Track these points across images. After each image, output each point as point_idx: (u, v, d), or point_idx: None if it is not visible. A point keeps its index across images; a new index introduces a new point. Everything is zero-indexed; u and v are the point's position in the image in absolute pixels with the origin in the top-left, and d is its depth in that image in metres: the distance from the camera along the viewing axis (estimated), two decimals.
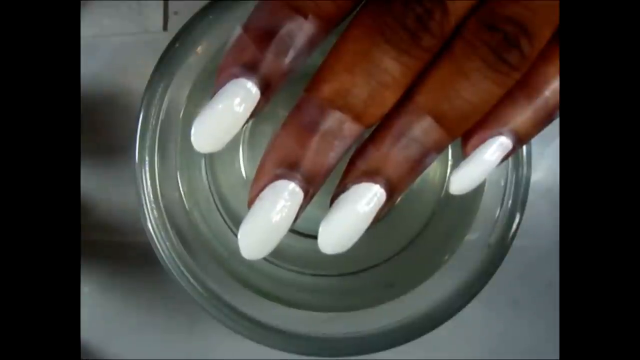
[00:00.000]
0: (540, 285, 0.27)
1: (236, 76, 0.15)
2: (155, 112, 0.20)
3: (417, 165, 0.15)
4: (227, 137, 0.15)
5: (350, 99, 0.14)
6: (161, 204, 0.20)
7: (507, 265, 0.20)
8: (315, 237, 0.16)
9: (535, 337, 0.27)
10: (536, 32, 0.14)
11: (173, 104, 0.20)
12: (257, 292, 0.22)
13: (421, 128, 0.15)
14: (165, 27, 0.27)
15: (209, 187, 0.24)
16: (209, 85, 0.19)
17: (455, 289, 0.20)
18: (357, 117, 0.15)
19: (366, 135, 0.16)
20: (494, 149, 0.16)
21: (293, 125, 0.15)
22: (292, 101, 0.15)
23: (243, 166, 0.25)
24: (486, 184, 0.21)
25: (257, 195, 0.15)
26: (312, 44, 0.15)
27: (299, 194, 0.15)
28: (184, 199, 0.22)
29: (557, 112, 0.15)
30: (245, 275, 0.22)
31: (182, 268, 0.20)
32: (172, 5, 0.27)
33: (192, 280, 0.20)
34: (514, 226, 0.20)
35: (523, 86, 0.15)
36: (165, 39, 0.20)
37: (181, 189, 0.22)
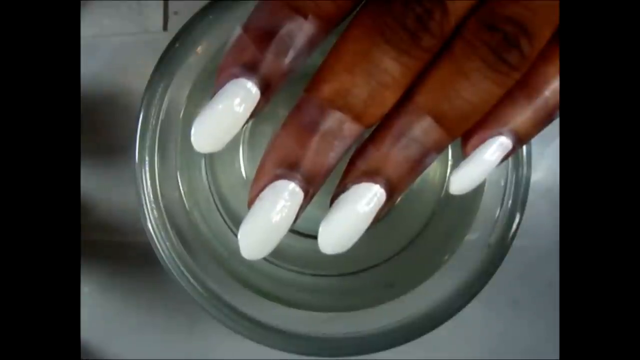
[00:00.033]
0: (540, 285, 0.27)
1: (236, 76, 0.15)
2: (155, 112, 0.20)
3: (417, 165, 0.15)
4: (227, 137, 0.15)
5: (350, 99, 0.14)
6: (161, 204, 0.20)
7: (507, 265, 0.20)
8: (315, 237, 0.16)
9: (535, 337, 0.27)
10: (536, 32, 0.14)
11: (173, 104, 0.20)
12: (257, 292, 0.22)
13: (421, 128, 0.15)
14: (165, 27, 0.27)
15: (209, 187, 0.24)
16: (209, 85, 0.19)
17: (455, 289, 0.20)
18: (357, 117, 0.15)
19: (366, 135, 0.16)
20: (494, 149, 0.16)
21: (293, 125, 0.15)
22: (292, 101, 0.15)
23: (243, 166, 0.25)
24: (486, 184, 0.21)
25: (257, 195, 0.15)
26: (312, 44, 0.15)
27: (299, 194, 0.15)
28: (184, 199, 0.22)
29: (557, 112, 0.15)
30: (245, 275, 0.22)
31: (182, 268, 0.20)
32: (172, 5, 0.27)
33: (192, 280, 0.20)
34: (514, 226, 0.20)
35: (523, 86, 0.15)
36: (165, 39, 0.20)
37: (181, 189, 0.22)
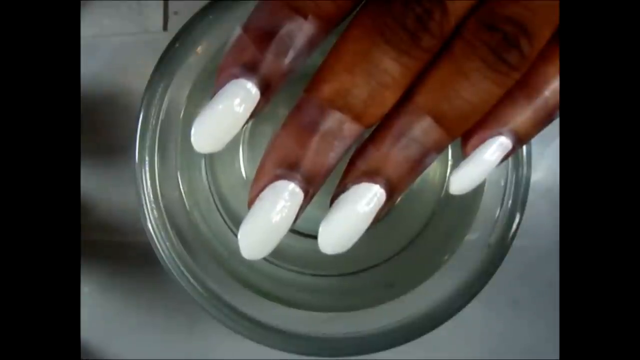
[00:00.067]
0: (540, 285, 0.27)
1: (236, 76, 0.15)
2: (155, 112, 0.20)
3: (417, 165, 0.15)
4: (227, 138, 0.15)
5: (350, 99, 0.14)
6: (161, 204, 0.20)
7: (507, 265, 0.20)
8: (315, 237, 0.16)
9: (535, 337, 0.27)
10: (536, 32, 0.14)
11: (173, 104, 0.20)
12: (257, 292, 0.22)
13: (421, 128, 0.15)
14: (165, 27, 0.27)
15: (209, 187, 0.24)
16: (209, 85, 0.19)
17: (455, 289, 0.20)
18: (357, 117, 0.15)
19: (366, 135, 0.16)
20: (493, 149, 0.16)
21: (293, 126, 0.15)
22: (292, 101, 0.15)
23: (243, 166, 0.25)
24: (486, 184, 0.21)
25: (257, 195, 0.15)
26: (312, 44, 0.15)
27: (299, 194, 0.15)
28: (184, 199, 0.22)
29: (557, 112, 0.15)
30: (245, 275, 0.22)
31: (182, 268, 0.20)
32: (172, 5, 0.27)
33: (192, 280, 0.20)
34: (514, 226, 0.20)
35: (523, 86, 0.15)
36: (165, 39, 0.20)
37: (181, 189, 0.22)
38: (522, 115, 0.15)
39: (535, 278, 0.27)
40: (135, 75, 0.27)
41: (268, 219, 0.15)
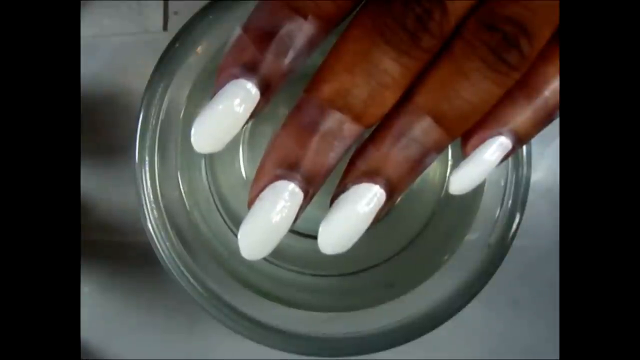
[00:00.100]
0: (540, 285, 0.27)
1: (236, 77, 0.15)
2: (155, 112, 0.20)
3: (417, 165, 0.15)
4: (227, 138, 0.15)
5: (350, 99, 0.14)
6: (161, 204, 0.20)
7: (507, 265, 0.20)
8: (315, 237, 0.16)
9: (535, 337, 0.27)
10: (536, 32, 0.14)
11: (173, 104, 0.20)
12: (257, 292, 0.22)
13: (421, 128, 0.15)
14: (165, 27, 0.27)
15: (209, 187, 0.24)
16: (209, 85, 0.19)
17: (455, 289, 0.20)
18: (357, 118, 0.15)
19: (366, 135, 0.16)
20: (493, 149, 0.16)
21: (293, 126, 0.15)
22: (292, 101, 0.15)
23: (243, 166, 0.25)
24: (486, 184, 0.21)
25: (257, 195, 0.15)
26: (312, 44, 0.15)
27: (299, 195, 0.15)
28: (184, 199, 0.22)
29: (557, 112, 0.15)
30: (245, 275, 0.22)
31: (182, 268, 0.20)
32: (172, 5, 0.27)
33: (192, 280, 0.20)
34: (514, 226, 0.20)
35: (523, 86, 0.15)
36: (165, 39, 0.20)
37: (181, 189, 0.22)
38: (522, 115, 0.15)
39: (535, 278, 0.27)
40: (135, 75, 0.27)
41: (268, 219, 0.15)
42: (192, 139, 0.15)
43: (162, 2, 0.27)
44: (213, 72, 0.15)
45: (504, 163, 0.17)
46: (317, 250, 0.16)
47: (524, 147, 0.20)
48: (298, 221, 0.16)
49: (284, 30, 0.14)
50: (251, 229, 0.15)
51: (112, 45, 0.27)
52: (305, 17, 0.14)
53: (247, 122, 0.15)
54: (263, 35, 0.14)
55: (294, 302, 0.22)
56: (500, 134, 0.15)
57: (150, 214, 0.20)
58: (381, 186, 0.15)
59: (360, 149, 0.16)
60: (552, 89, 0.15)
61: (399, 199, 0.16)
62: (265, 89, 0.15)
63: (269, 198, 0.15)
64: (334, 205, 0.16)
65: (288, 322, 0.21)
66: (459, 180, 0.16)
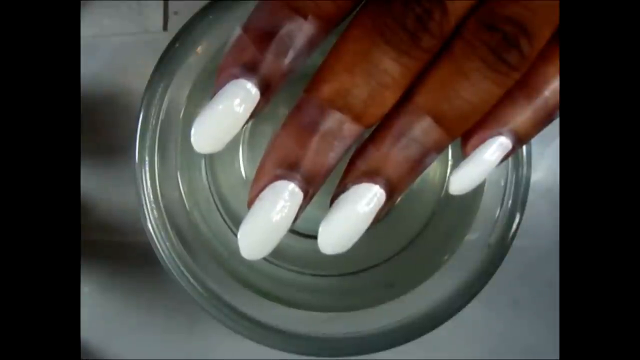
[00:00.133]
0: (540, 285, 0.27)
1: (236, 77, 0.15)
2: (155, 112, 0.20)
3: (417, 165, 0.15)
4: (227, 138, 0.15)
5: (350, 99, 0.14)
6: (161, 204, 0.20)
7: (507, 265, 0.20)
8: (315, 237, 0.16)
9: (535, 337, 0.27)
10: (536, 32, 0.14)
11: (173, 104, 0.20)
12: (257, 292, 0.22)
13: (421, 128, 0.15)
14: (165, 27, 0.27)
15: (209, 187, 0.24)
16: (209, 85, 0.19)
17: (455, 289, 0.20)
18: (357, 118, 0.15)
19: (366, 135, 0.16)
20: (493, 149, 0.16)
21: (293, 126, 0.15)
22: (292, 101, 0.15)
23: (243, 166, 0.25)
24: (486, 184, 0.21)
25: (257, 195, 0.15)
26: (312, 44, 0.15)
27: (299, 194, 0.15)
28: (184, 199, 0.22)
29: (557, 112, 0.15)
30: (245, 275, 0.22)
31: (182, 268, 0.20)
32: (172, 5, 0.27)
33: (192, 280, 0.20)
34: (514, 226, 0.20)
35: (523, 86, 0.15)
36: (165, 39, 0.20)
37: (181, 189, 0.22)
38: (522, 115, 0.15)
39: (535, 278, 0.27)
40: (135, 75, 0.27)
41: (268, 219, 0.15)
42: (192, 139, 0.15)
43: (162, 2, 0.27)
44: (213, 72, 0.15)
45: (504, 163, 0.17)
46: (317, 250, 0.16)
47: (524, 147, 0.20)
48: (298, 221, 0.16)
49: (284, 30, 0.14)
50: (251, 229, 0.15)
51: (112, 45, 0.27)
52: (305, 17, 0.14)
53: (247, 122, 0.15)
54: (263, 35, 0.14)
55: (294, 302, 0.22)
56: (500, 134, 0.15)
57: (150, 214, 0.20)
58: (381, 186, 0.15)
59: (360, 149, 0.16)
60: (552, 89, 0.15)
61: (399, 199, 0.16)
62: (265, 89, 0.15)
63: (268, 198, 0.15)
64: (334, 205, 0.16)
65: (288, 322, 0.21)
66: (459, 180, 0.16)
